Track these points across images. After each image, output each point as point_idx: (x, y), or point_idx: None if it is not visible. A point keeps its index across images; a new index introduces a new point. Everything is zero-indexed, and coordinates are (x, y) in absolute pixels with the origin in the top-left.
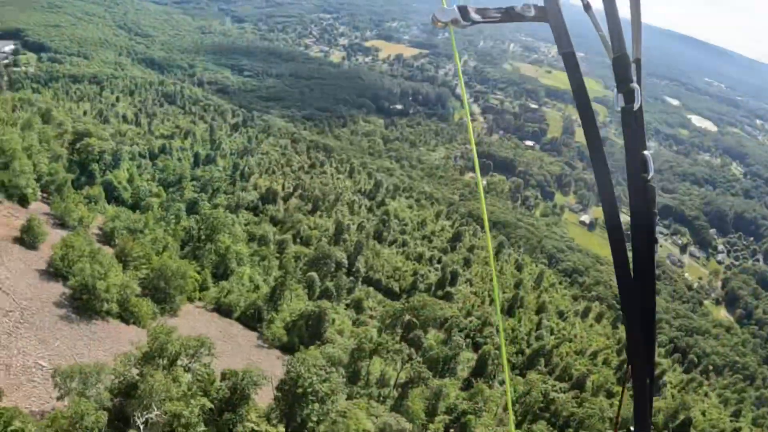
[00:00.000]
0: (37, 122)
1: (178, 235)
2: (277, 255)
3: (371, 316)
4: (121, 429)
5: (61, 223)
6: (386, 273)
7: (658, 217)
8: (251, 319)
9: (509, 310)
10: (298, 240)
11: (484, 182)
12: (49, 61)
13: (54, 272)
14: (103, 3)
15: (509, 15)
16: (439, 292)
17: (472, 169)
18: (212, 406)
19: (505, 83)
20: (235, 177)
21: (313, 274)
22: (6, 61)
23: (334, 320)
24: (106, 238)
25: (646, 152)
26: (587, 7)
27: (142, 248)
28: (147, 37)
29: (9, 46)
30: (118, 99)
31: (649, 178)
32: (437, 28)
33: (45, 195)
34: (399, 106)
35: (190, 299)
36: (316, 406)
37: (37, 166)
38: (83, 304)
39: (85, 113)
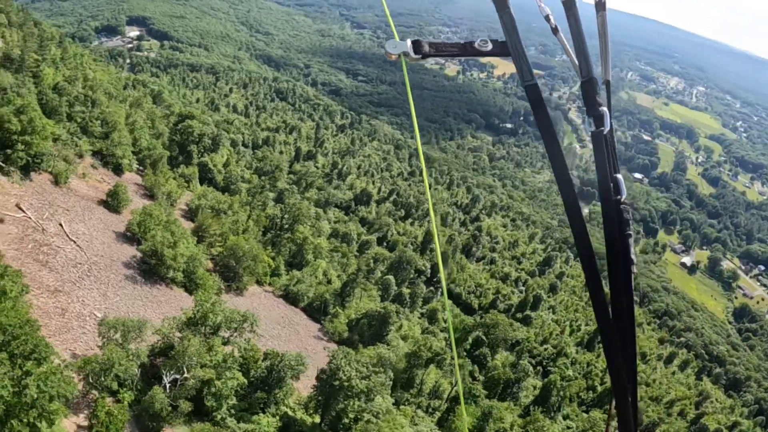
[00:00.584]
0: (147, 102)
1: (261, 221)
2: (357, 254)
3: (444, 329)
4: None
5: (150, 195)
6: (468, 288)
7: (633, 239)
8: (316, 311)
9: (589, 344)
10: (384, 243)
11: (586, 210)
12: (171, 49)
13: (130, 236)
14: (228, 0)
15: (466, 50)
16: (518, 315)
17: (577, 195)
18: (245, 381)
19: (619, 112)
20: (332, 175)
21: (390, 277)
22: (130, 46)
23: (401, 326)
24: (191, 214)
25: (618, 175)
26: (555, 31)
27: (221, 227)
28: (267, 35)
29: (135, 32)
30: (231, 90)
31: (622, 200)
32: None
33: (141, 168)
34: (509, 125)
35: (260, 282)
36: (354, 402)
37: (138, 140)
38: (150, 269)
39: (198, 100)
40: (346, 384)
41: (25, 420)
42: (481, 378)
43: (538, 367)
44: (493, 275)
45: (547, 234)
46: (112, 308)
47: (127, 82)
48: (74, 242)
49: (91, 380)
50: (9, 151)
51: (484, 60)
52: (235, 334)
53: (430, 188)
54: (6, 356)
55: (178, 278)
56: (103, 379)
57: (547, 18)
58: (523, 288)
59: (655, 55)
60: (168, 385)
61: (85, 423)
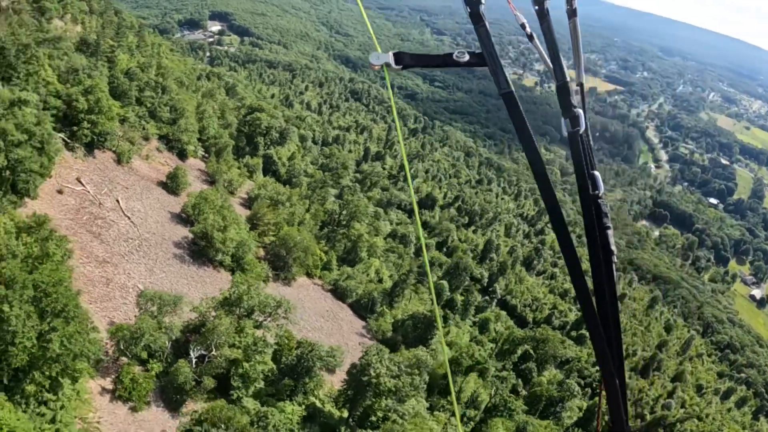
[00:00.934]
0: (221, 93)
1: (319, 216)
2: (413, 256)
3: (493, 339)
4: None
5: (211, 181)
6: (524, 301)
7: (612, 230)
8: (363, 308)
9: (644, 371)
10: (444, 249)
11: (656, 233)
12: (250, 45)
13: (185, 217)
14: (310, 0)
15: (446, 61)
16: (573, 333)
17: (648, 218)
18: (274, 367)
19: (698, 133)
20: (399, 177)
21: (444, 282)
22: (211, 40)
23: (449, 331)
24: (250, 202)
25: (594, 172)
26: (530, 38)
27: (275, 217)
28: (346, 36)
29: (216, 27)
30: (306, 88)
31: (600, 194)
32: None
33: (206, 155)
34: None
35: (310, 275)
36: (382, 401)
37: (206, 128)
38: (200, 250)
39: (273, 96)
40: (374, 381)
41: (47, 373)
42: (524, 393)
43: (587, 389)
44: (551, 290)
45: None
46: (156, 283)
47: (202, 73)
48: (128, 218)
49: (121, 347)
50: (75, 128)
51: None
52: (269, 319)
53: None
54: (34, 310)
55: (225, 262)
56: (133, 347)
57: (522, 26)
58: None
59: (739, 76)
60: (195, 361)
61: (111, 387)
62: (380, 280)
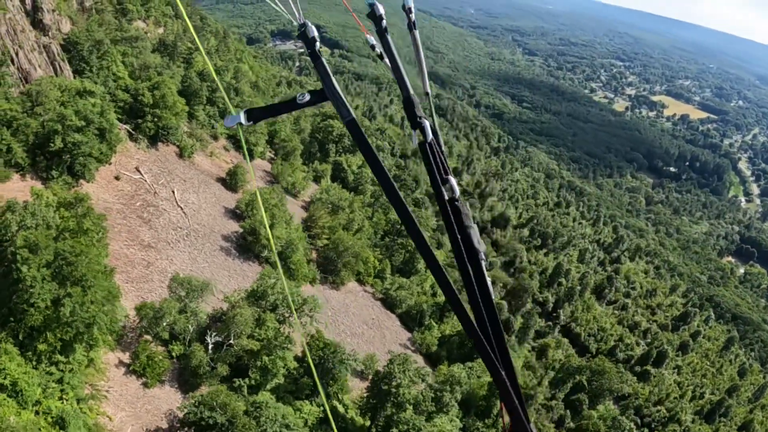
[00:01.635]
0: None
1: (381, 224)
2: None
3: (550, 366)
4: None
5: (275, 183)
6: (589, 330)
7: (476, 229)
8: (411, 320)
9: (709, 415)
10: (511, 269)
11: (741, 270)
12: (340, 58)
13: (238, 213)
14: (402, 15)
15: (291, 105)
16: (637, 368)
17: (734, 254)
18: (295, 364)
19: None
20: (474, 195)
21: (503, 302)
22: (302, 50)
23: None
24: (311, 206)
25: (449, 177)
26: (381, 57)
27: (331, 221)
28: (437, 53)
29: None
30: (391, 101)
31: (457, 198)
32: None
33: (273, 157)
34: (672, 169)
35: (362, 282)
36: (403, 413)
37: (278, 132)
38: (247, 245)
39: (357, 107)
40: (393, 390)
41: (59, 335)
42: (570, 425)
43: (644, 429)
44: (620, 321)
45: (691, 288)
46: (197, 272)
47: (282, 80)
48: (181, 208)
49: (144, 324)
50: (140, 120)
51: (655, 98)
52: (298, 314)
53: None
54: (50, 275)
55: (271, 258)
56: (155, 326)
57: (372, 47)
58: (648, 340)
59: None
60: (211, 347)
61: (128, 361)
62: (434, 294)
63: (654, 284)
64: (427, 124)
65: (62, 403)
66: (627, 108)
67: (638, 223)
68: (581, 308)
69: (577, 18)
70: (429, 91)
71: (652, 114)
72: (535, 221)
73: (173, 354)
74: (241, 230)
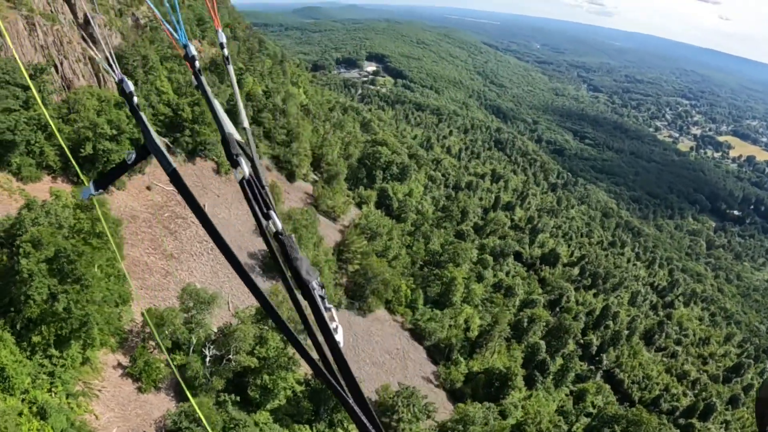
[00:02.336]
0: (353, 126)
1: (420, 254)
2: (513, 311)
3: (590, 414)
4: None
5: (315, 205)
6: (633, 377)
7: (304, 261)
8: (439, 353)
9: None
10: (556, 308)
11: None
12: (402, 87)
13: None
14: (468, 49)
15: (123, 167)
16: (681, 421)
17: None
18: (299, 388)
19: None
20: (525, 230)
21: (541, 342)
22: (365, 79)
23: (530, 395)
24: (355, 228)
25: (272, 212)
26: (203, 94)
27: (366, 247)
28: (500, 87)
29: (372, 67)
30: (450, 133)
31: (281, 232)
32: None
33: (317, 180)
34: (736, 212)
35: (392, 310)
36: None
37: (324, 156)
38: (272, 265)
39: (415, 137)
40: (394, 425)
41: (53, 329)
42: None
43: None
44: (668, 370)
45: (748, 338)
46: (215, 286)
47: (336, 105)
48: None
49: (148, 330)
50: (179, 134)
51: (721, 138)
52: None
53: None
54: (46, 267)
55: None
56: (158, 333)
57: (196, 87)
58: (696, 391)
59: None
60: (209, 359)
61: (127, 364)
62: (467, 329)
63: (708, 332)
64: (242, 161)
65: (50, 395)
66: (691, 148)
67: (697, 267)
68: (627, 353)
69: (644, 55)
70: (247, 126)
71: (717, 155)
72: (587, 260)
73: (176, 362)
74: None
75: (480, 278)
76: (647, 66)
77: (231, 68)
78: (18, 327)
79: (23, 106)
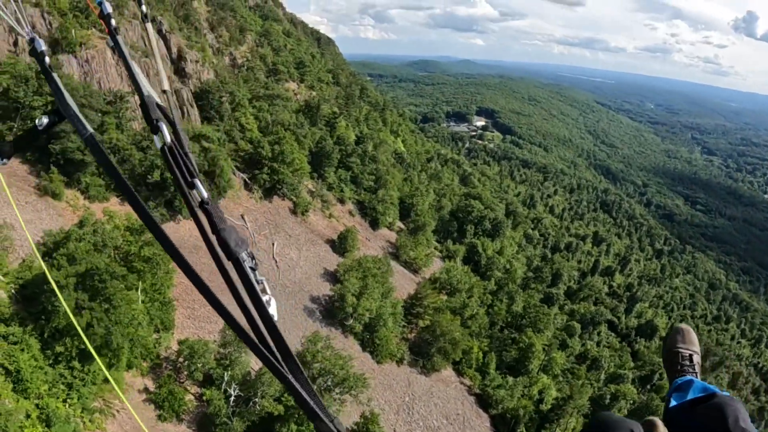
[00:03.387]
0: (451, 178)
1: (500, 315)
2: (597, 385)
3: None
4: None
5: (395, 255)
6: None
7: (232, 230)
8: (504, 425)
9: None
10: (648, 385)
11: None
12: (510, 143)
13: (337, 278)
14: (580, 107)
15: (34, 134)
16: None
17: None
18: None
19: None
20: (623, 297)
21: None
22: (473, 134)
23: None
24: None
25: (196, 180)
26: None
27: (437, 302)
28: (611, 147)
29: (481, 122)
30: (555, 192)
31: (207, 201)
32: None
33: (402, 229)
34: None
35: (460, 372)
36: None
37: (415, 206)
38: (332, 310)
39: (518, 195)
40: None
41: (76, 343)
42: None
43: None
44: None
45: None
46: None
47: (434, 156)
48: (275, 261)
49: (180, 359)
50: (257, 171)
51: None
52: (339, 389)
53: None
54: (73, 281)
55: (355, 328)
56: (191, 364)
57: (112, 49)
58: None
59: None
60: (233, 398)
61: (154, 390)
62: (541, 401)
63: None
64: (163, 127)
65: (64, 405)
66: None
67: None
68: None
69: (762, 116)
70: (167, 88)
71: None
72: None
73: (204, 397)
74: (332, 294)
75: (563, 346)
76: (765, 128)
77: (150, 26)
78: (45, 335)
79: (97, 129)
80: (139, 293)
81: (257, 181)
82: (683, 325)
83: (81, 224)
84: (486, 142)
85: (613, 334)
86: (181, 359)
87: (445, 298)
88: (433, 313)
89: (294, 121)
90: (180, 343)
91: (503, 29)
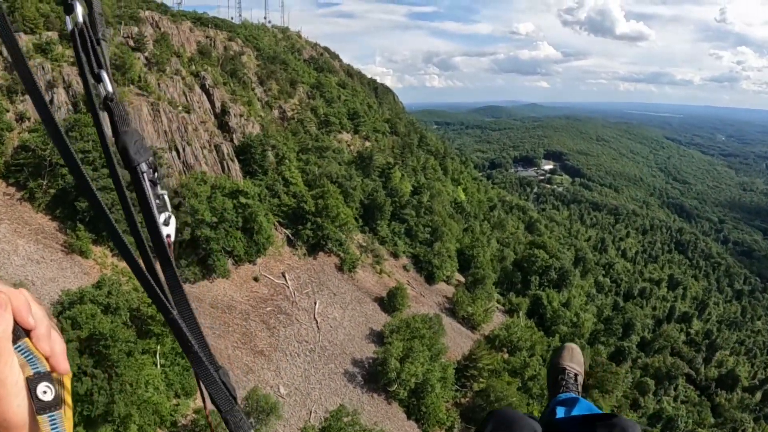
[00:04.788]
0: (516, 226)
1: None
2: None
3: None
4: None
5: (452, 310)
6: None
7: (134, 134)
8: None
9: None
10: None
11: None
12: (580, 186)
13: (382, 339)
14: (649, 144)
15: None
16: None
17: None
18: None
19: None
20: (701, 344)
21: None
22: (542, 178)
23: None
24: (488, 341)
25: (103, 71)
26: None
27: (493, 363)
28: (684, 183)
29: (549, 166)
30: (628, 234)
31: (111, 97)
32: None
33: (462, 281)
34: None
35: None
36: None
37: (475, 258)
38: (376, 374)
39: (588, 239)
40: None
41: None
42: None
43: None
44: None
45: None
46: (304, 391)
47: (498, 203)
48: (316, 322)
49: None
50: (300, 227)
51: None
52: None
53: None
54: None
55: (400, 394)
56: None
57: None
58: None
59: None
60: None
61: None
62: None
63: None
64: (78, 6)
65: None
66: None
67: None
68: None
69: None
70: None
71: None
72: None
73: None
74: (376, 356)
75: (635, 406)
76: None
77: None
78: None
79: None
80: (158, 357)
81: (301, 237)
82: (572, 344)
83: (98, 285)
84: (555, 186)
85: (691, 386)
86: (198, 427)
87: (506, 356)
88: (488, 376)
89: (343, 173)
90: (195, 412)
91: (567, 70)
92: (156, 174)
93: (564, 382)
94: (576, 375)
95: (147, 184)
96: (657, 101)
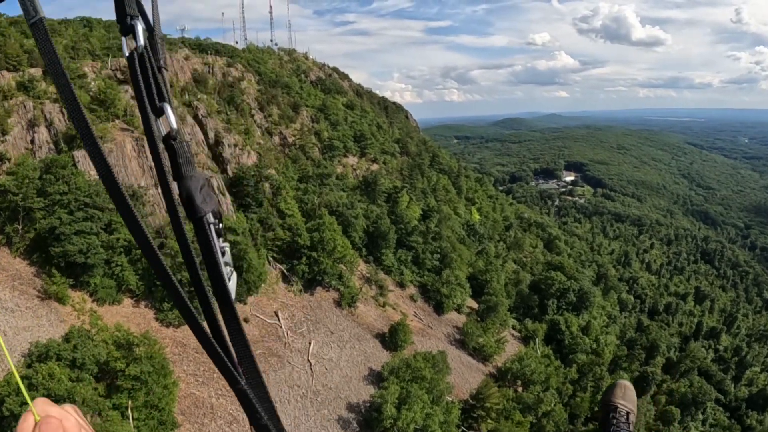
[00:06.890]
0: (534, 244)
1: (583, 409)
2: None
3: None
4: None
5: (462, 341)
6: None
7: (200, 180)
8: None
9: None
10: None
11: None
12: (602, 197)
13: (381, 380)
14: (671, 151)
15: None
16: None
17: None
18: None
19: None
20: (730, 363)
21: None
22: (563, 190)
23: None
24: (500, 374)
25: (166, 105)
26: None
27: (502, 403)
28: (708, 190)
29: (570, 177)
30: (652, 245)
31: (174, 137)
32: None
33: (472, 310)
34: None
35: None
36: None
37: (489, 282)
38: (371, 419)
39: (612, 252)
40: None
41: None
42: None
43: None
44: None
45: None
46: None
47: (513, 222)
48: (310, 364)
49: None
50: (295, 262)
51: None
52: None
53: None
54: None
55: None
56: None
57: None
58: None
59: None
60: None
61: None
62: None
63: None
64: (139, 27)
65: None
66: None
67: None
68: None
69: None
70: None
71: None
72: None
73: None
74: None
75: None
76: None
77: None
78: None
79: (104, 229)
80: (130, 412)
81: (297, 272)
82: (625, 382)
83: (67, 337)
84: (576, 198)
85: (720, 408)
86: None
87: (520, 390)
88: (496, 417)
89: (344, 201)
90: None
91: (585, 78)
92: (221, 224)
93: (615, 421)
94: (628, 414)
95: (214, 237)
96: (677, 106)
